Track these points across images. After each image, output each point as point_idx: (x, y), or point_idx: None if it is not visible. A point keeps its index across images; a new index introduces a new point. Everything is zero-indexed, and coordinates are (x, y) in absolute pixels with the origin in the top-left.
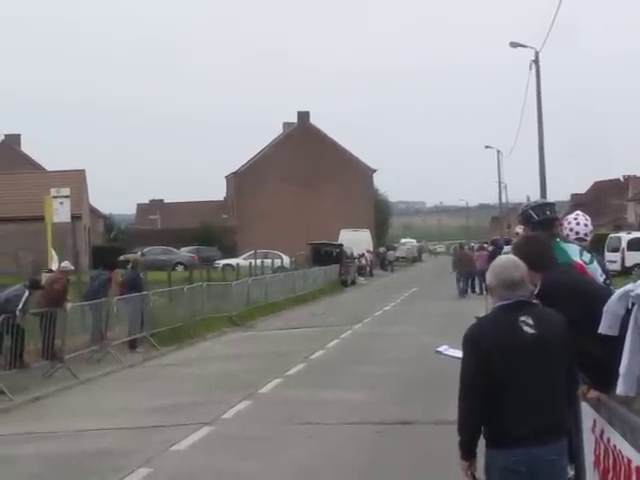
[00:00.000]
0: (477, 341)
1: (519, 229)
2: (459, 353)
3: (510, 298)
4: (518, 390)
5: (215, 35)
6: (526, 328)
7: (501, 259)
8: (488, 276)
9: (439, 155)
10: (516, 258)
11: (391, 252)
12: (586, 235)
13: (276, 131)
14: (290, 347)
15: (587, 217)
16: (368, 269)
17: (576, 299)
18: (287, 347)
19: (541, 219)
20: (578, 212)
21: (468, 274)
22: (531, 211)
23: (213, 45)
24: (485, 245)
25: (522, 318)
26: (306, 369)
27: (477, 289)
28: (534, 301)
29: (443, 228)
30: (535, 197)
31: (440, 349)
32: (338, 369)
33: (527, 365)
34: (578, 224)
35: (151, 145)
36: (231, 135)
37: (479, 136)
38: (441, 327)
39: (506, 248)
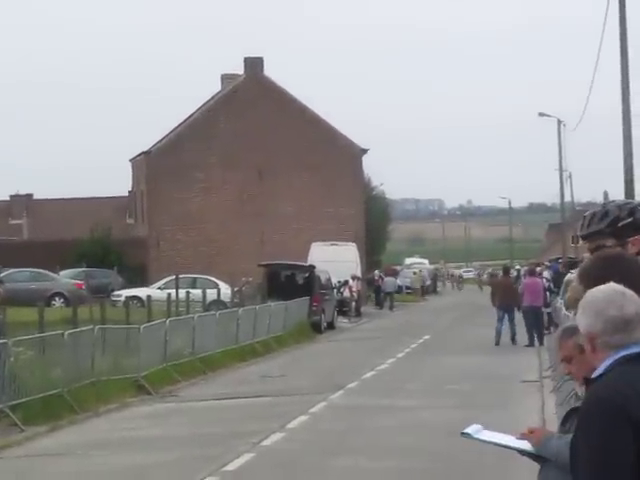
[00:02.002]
0: (621, 410)
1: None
2: (497, 437)
3: (627, 345)
4: None
5: None
6: None
7: (598, 291)
8: (582, 318)
9: (465, 132)
10: (618, 285)
11: (390, 279)
12: None
13: (211, 89)
14: (230, 427)
15: None
16: (354, 305)
17: None
18: (225, 427)
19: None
20: None
21: (510, 310)
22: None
23: None
24: (538, 268)
25: None
26: (254, 465)
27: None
28: None
29: (473, 242)
30: (617, 194)
31: (469, 430)
32: (305, 464)
33: None
34: None
35: (11, 118)
36: (140, 100)
37: (525, 104)
38: (465, 397)
39: (569, 275)
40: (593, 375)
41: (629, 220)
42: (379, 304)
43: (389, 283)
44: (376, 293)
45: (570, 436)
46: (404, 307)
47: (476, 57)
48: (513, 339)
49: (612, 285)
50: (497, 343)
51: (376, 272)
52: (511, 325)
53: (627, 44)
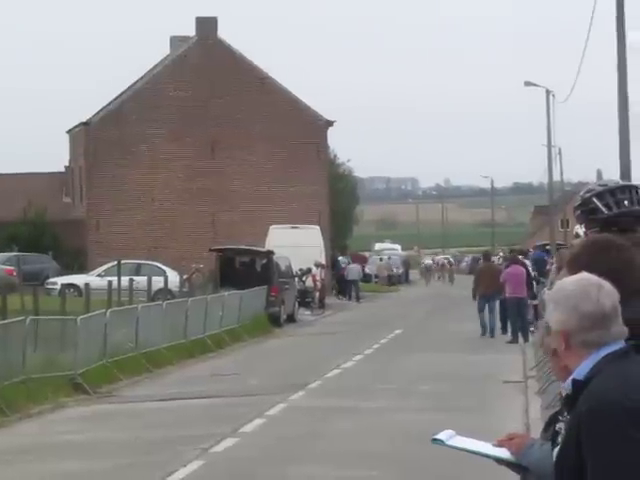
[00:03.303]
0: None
1: (580, 229)
2: (473, 443)
3: (607, 342)
4: None
5: None
6: None
7: (570, 282)
8: (555, 313)
9: (443, 104)
10: (592, 276)
11: (354, 265)
12: None
13: (159, 52)
14: (177, 431)
15: None
16: (317, 295)
17: None
18: (171, 431)
19: (615, 214)
20: None
21: (492, 299)
22: (596, 199)
23: None
24: (521, 256)
25: None
26: (203, 474)
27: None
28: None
29: (451, 226)
30: (611, 174)
31: (441, 436)
32: (260, 474)
33: None
34: None
35: None
36: (78, 63)
37: (510, 73)
38: (440, 399)
39: (552, 261)
40: (577, 376)
41: None
42: (343, 294)
43: (353, 270)
44: (339, 282)
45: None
46: (374, 298)
47: (455, 19)
48: (492, 332)
49: (586, 276)
50: (484, 334)
51: (340, 258)
52: (491, 316)
53: (624, 9)
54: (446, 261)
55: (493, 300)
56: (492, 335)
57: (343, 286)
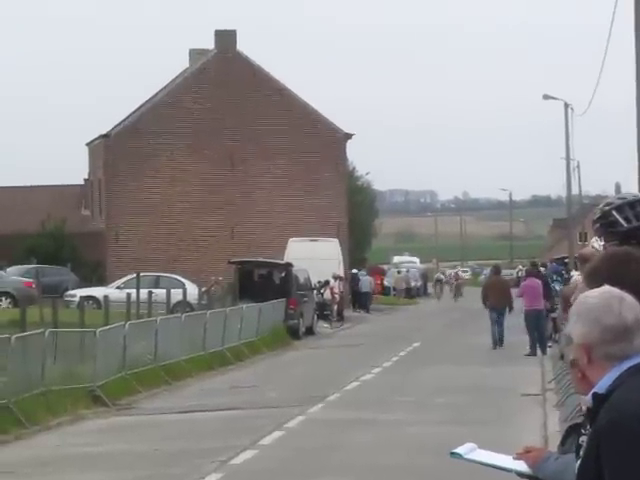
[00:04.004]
0: None
1: (596, 243)
2: (492, 457)
3: (630, 355)
4: None
5: None
6: None
7: (592, 295)
8: (577, 326)
9: (462, 117)
10: (614, 289)
11: (366, 278)
12: None
13: (178, 65)
14: (195, 444)
15: None
16: (336, 308)
17: None
18: (189, 444)
19: (635, 226)
20: None
21: (501, 311)
22: (615, 213)
23: None
24: (542, 269)
25: None
26: None
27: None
28: None
29: (469, 239)
30: (629, 187)
31: (459, 450)
32: None
33: None
34: None
35: None
36: (99, 77)
37: (529, 87)
38: (458, 412)
39: (574, 275)
40: (599, 390)
41: None
42: (361, 307)
43: (365, 282)
44: (353, 294)
45: (570, 456)
46: (392, 311)
47: (473, 35)
48: (500, 342)
49: (608, 289)
50: (495, 347)
51: (354, 271)
52: (500, 329)
53: None
54: (453, 273)
55: (502, 313)
56: (501, 345)
57: (357, 298)
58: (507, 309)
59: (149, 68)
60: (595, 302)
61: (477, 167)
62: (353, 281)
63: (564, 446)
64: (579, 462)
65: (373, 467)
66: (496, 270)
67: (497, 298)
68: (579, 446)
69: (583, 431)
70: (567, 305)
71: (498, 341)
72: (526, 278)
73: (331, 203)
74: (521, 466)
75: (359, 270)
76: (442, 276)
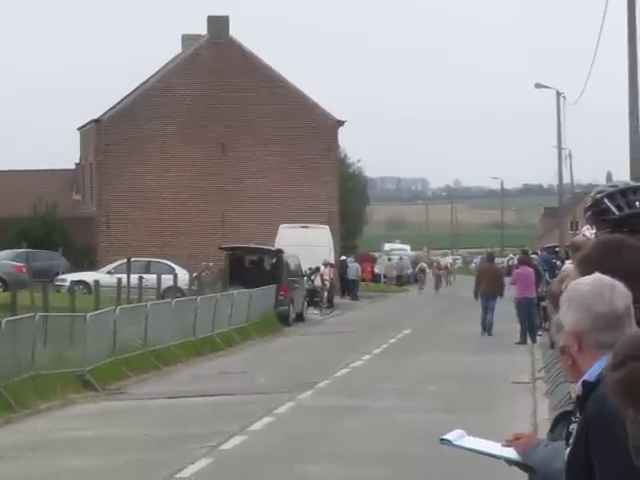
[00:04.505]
0: None
1: (587, 231)
2: (481, 444)
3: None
4: None
5: None
6: None
7: (584, 282)
8: (568, 313)
9: (453, 104)
10: (605, 277)
11: (353, 265)
12: None
13: (170, 50)
14: (185, 429)
15: None
16: (326, 295)
17: None
18: (179, 429)
19: (625, 214)
20: None
21: (492, 299)
22: (607, 200)
23: None
24: (534, 255)
25: None
26: (211, 471)
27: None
28: None
29: (460, 227)
30: (621, 176)
31: (449, 437)
32: (268, 472)
33: None
34: None
35: None
36: (90, 62)
37: (521, 74)
38: (448, 399)
39: (567, 264)
40: (588, 378)
41: None
42: (349, 293)
43: (352, 269)
44: (342, 281)
45: (559, 443)
46: (382, 298)
47: (465, 21)
48: (490, 329)
49: (599, 276)
50: (483, 334)
51: (343, 258)
52: (490, 315)
53: (635, 10)
54: (435, 263)
55: (493, 299)
56: (490, 333)
57: (345, 285)
58: (498, 296)
59: (141, 53)
60: (586, 289)
61: (469, 155)
62: (342, 268)
63: (553, 433)
64: (569, 449)
65: (363, 454)
66: (489, 257)
67: (489, 285)
68: (569, 434)
69: (573, 419)
70: (556, 301)
71: (487, 329)
72: (519, 266)
73: (322, 190)
74: (510, 453)
75: (347, 257)
76: (425, 265)
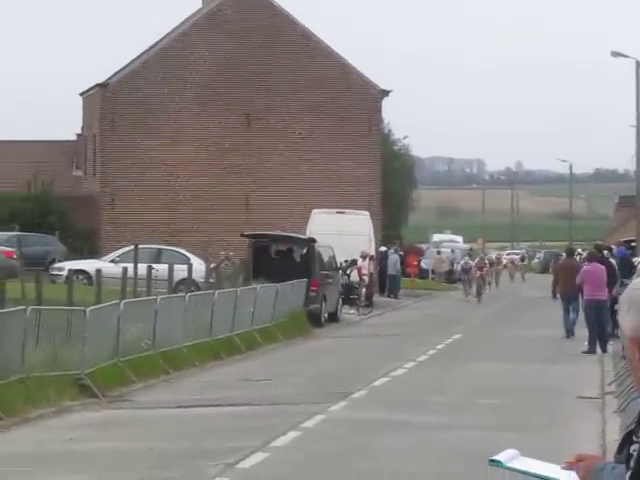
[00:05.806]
0: None
1: None
2: (538, 466)
3: None
4: None
5: None
6: None
7: None
8: (628, 316)
9: (515, 75)
10: None
11: (393, 257)
12: None
13: (188, 6)
14: (197, 443)
15: None
16: (364, 292)
17: None
18: (191, 443)
19: None
20: None
21: (574, 299)
22: None
23: None
24: (607, 251)
25: None
26: None
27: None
28: None
29: (521, 216)
30: None
31: (500, 458)
32: None
33: None
34: None
35: None
36: (95, 17)
37: (595, 42)
38: (502, 415)
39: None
40: None
41: None
42: (389, 292)
43: (390, 262)
44: (381, 276)
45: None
46: (430, 297)
47: None
48: (571, 331)
49: None
50: (568, 336)
51: (382, 248)
52: (574, 315)
53: None
54: (487, 262)
55: (575, 299)
56: (571, 335)
57: (384, 281)
58: (579, 295)
59: (156, 8)
60: None
61: (532, 133)
62: (382, 261)
63: (621, 455)
64: (628, 474)
65: (400, 476)
66: (569, 252)
67: (569, 283)
68: (629, 455)
69: (634, 438)
70: None
71: (569, 331)
72: (588, 263)
73: (362, 170)
74: (571, 477)
75: (388, 248)
76: (470, 262)
